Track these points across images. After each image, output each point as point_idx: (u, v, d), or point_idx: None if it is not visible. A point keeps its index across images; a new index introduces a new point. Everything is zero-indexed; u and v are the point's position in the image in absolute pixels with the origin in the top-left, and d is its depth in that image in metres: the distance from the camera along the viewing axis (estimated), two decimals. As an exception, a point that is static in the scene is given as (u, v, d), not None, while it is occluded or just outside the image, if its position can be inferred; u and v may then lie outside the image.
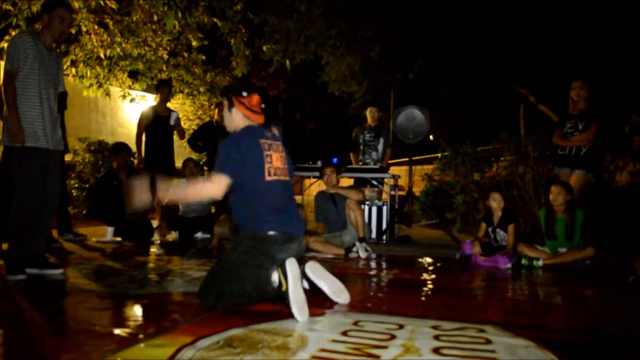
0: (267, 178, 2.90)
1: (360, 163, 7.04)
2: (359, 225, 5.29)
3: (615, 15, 8.51)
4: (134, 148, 6.61)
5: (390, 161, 7.35)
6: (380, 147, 7.00)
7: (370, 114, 7.10)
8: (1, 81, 3.86)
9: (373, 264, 4.75)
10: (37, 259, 3.71)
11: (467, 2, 9.09)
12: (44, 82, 3.70)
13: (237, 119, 3.03)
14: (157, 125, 6.53)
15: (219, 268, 2.90)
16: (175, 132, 6.79)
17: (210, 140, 7.05)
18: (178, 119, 6.70)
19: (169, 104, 6.90)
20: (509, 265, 4.63)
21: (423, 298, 3.31)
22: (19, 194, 3.64)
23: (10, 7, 7.00)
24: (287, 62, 8.51)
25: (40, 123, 3.66)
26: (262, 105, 3.07)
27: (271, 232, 2.84)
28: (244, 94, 3.01)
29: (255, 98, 3.04)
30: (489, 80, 10.63)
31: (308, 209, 7.25)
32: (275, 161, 2.98)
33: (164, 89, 6.79)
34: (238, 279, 2.74)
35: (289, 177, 3.09)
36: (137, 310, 2.83)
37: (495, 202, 5.04)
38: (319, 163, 6.58)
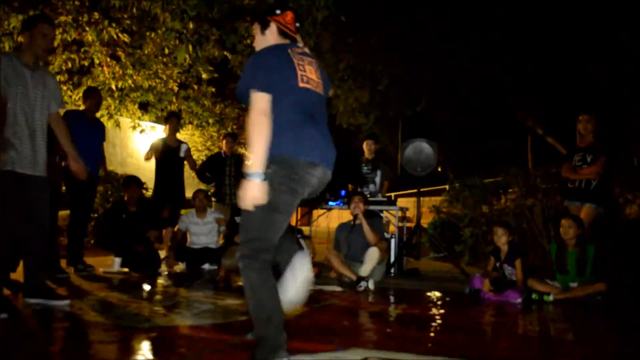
0: (300, 84, 2.60)
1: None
2: (370, 263, 5.27)
3: (622, 43, 8.58)
4: (143, 178, 6.64)
5: (397, 193, 7.36)
6: (377, 179, 7.03)
7: (367, 147, 7.15)
8: None
9: (381, 298, 4.70)
10: (38, 289, 3.65)
11: (474, 36, 9.19)
12: (22, 103, 3.53)
13: (270, 40, 2.75)
14: (167, 156, 6.58)
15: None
16: (186, 162, 6.83)
17: (219, 171, 7.09)
18: (188, 150, 6.74)
19: (178, 135, 6.96)
20: (519, 300, 4.57)
21: (432, 334, 3.26)
22: None
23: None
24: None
25: (16, 146, 3.47)
26: (297, 24, 2.82)
27: (301, 157, 2.49)
28: (278, 11, 2.76)
29: (290, 14, 2.80)
30: (496, 113, 10.67)
31: (315, 241, 7.23)
32: (309, 72, 2.68)
33: (172, 120, 6.86)
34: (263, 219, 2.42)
35: (323, 93, 2.78)
36: (143, 345, 2.80)
37: (498, 237, 5.00)
38: (327, 195, 6.59)
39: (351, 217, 5.77)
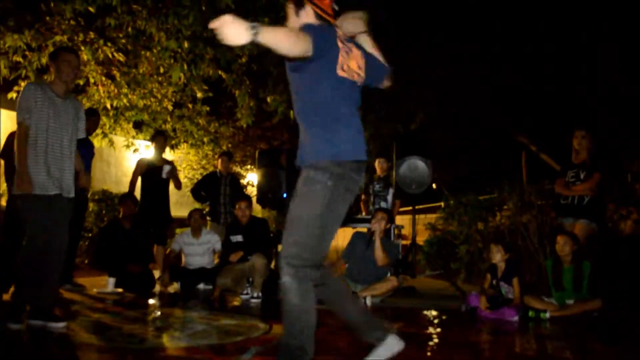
0: (340, 73, 2.49)
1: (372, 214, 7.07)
2: (377, 290, 5.27)
3: (614, 62, 8.67)
4: (139, 197, 6.63)
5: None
6: (389, 197, 7.11)
7: (379, 165, 7.30)
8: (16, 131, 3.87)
9: (377, 317, 4.66)
10: (42, 311, 3.65)
11: (467, 55, 9.28)
12: (52, 130, 3.74)
13: (306, 22, 2.53)
14: (151, 176, 6.57)
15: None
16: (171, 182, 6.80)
17: (214, 190, 7.07)
18: (172, 171, 6.65)
19: (171, 153, 6.96)
20: (516, 317, 4.55)
21: (429, 353, 3.24)
22: (26, 241, 3.64)
23: (20, 59, 7.16)
24: (292, 112, 8.62)
25: (44, 170, 3.68)
26: (335, 7, 2.63)
27: (344, 159, 2.40)
28: None
29: None
30: (490, 131, 10.73)
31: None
32: (351, 60, 2.54)
33: (159, 139, 6.85)
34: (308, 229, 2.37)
35: (363, 82, 2.65)
36: (137, 366, 2.77)
37: (495, 255, 4.99)
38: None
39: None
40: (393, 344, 2.61)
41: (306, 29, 2.34)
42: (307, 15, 2.54)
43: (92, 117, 5.97)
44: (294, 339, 2.37)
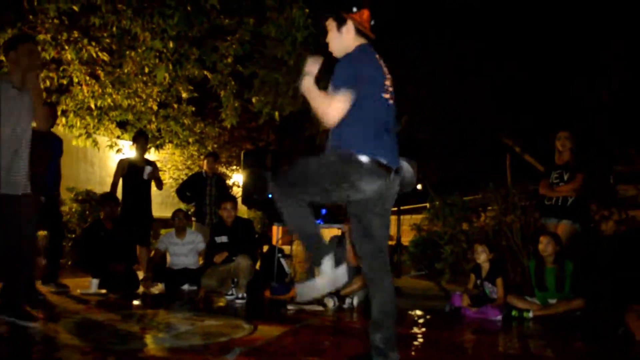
0: (384, 95, 2.65)
1: None
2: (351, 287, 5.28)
3: (601, 67, 8.76)
4: (121, 197, 6.58)
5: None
6: None
7: None
8: None
9: (362, 317, 4.68)
10: (14, 308, 3.58)
11: (451, 56, 9.33)
12: (7, 123, 3.54)
13: (347, 38, 2.68)
14: (132, 176, 6.52)
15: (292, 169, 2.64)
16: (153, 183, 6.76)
17: (199, 191, 7.04)
18: (153, 172, 6.61)
19: (156, 153, 6.91)
20: (499, 317, 4.59)
21: (413, 353, 3.26)
22: None
23: (3, 58, 7.06)
24: (277, 113, 8.61)
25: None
26: (372, 22, 2.75)
27: (363, 158, 2.52)
28: (354, 9, 2.68)
29: (366, 13, 2.72)
30: (475, 132, 10.79)
31: (296, 260, 7.20)
32: (389, 82, 2.71)
33: (140, 139, 6.80)
34: (304, 185, 2.57)
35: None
36: (120, 367, 2.75)
37: (478, 255, 5.03)
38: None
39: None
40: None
41: (344, 83, 2.50)
42: (348, 32, 2.67)
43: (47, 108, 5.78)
44: (312, 241, 2.59)
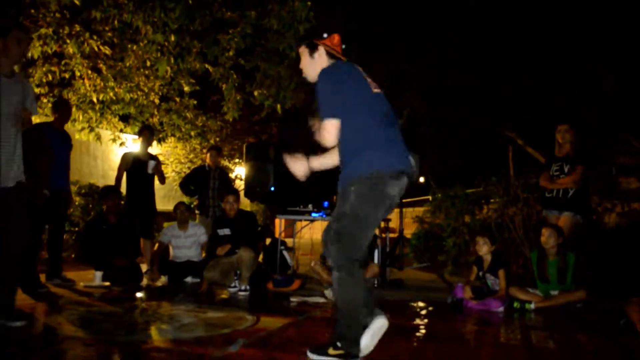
0: (372, 87, 2.77)
1: None
2: None
3: (601, 61, 8.74)
4: (124, 190, 6.61)
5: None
6: None
7: None
8: None
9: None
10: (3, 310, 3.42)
11: (456, 50, 9.32)
12: None
13: (320, 62, 2.83)
14: (136, 170, 6.55)
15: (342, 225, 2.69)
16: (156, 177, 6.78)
17: (202, 184, 7.06)
18: (157, 166, 6.65)
19: (159, 147, 6.92)
20: (502, 309, 4.60)
21: (416, 344, 3.27)
22: None
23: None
24: (278, 106, 8.61)
25: None
26: (343, 46, 2.89)
27: (381, 169, 2.64)
28: (325, 35, 2.84)
29: (337, 37, 2.87)
30: (477, 124, 10.79)
31: (299, 252, 7.22)
32: (374, 82, 2.83)
33: (145, 133, 6.83)
34: (361, 234, 2.68)
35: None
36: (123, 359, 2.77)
37: (481, 247, 5.03)
38: (310, 207, 6.60)
39: None
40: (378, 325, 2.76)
41: (328, 112, 2.65)
42: (320, 56, 2.83)
43: (62, 108, 5.80)
44: (350, 322, 2.66)
